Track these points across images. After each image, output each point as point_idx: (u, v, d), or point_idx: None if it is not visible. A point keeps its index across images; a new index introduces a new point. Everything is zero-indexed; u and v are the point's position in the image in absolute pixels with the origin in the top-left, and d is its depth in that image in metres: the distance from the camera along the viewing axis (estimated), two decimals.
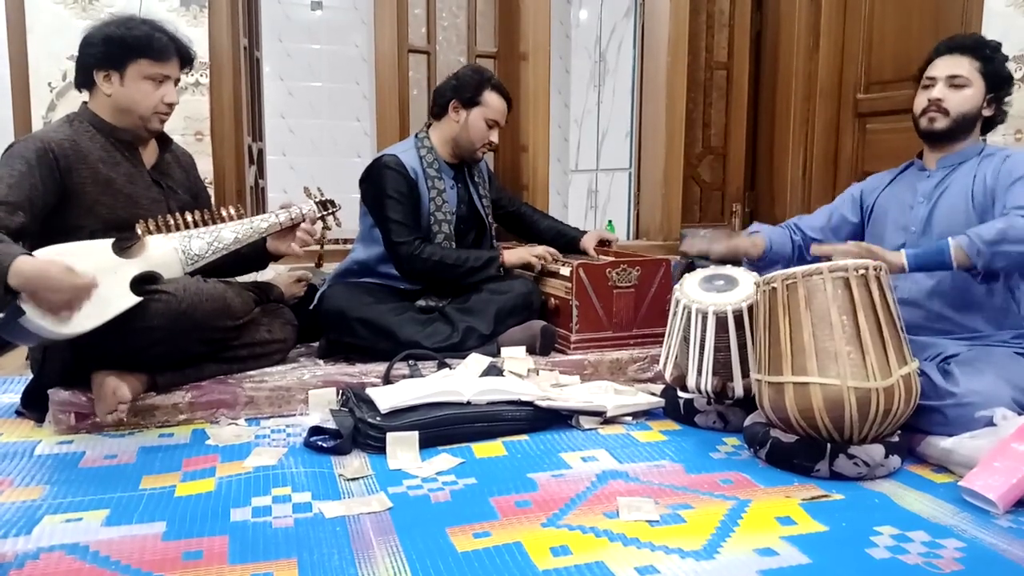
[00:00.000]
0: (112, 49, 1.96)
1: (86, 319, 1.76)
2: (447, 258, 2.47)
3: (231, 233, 2.07)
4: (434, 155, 2.54)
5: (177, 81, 2.06)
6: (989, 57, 1.97)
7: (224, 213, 2.10)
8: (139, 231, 1.95)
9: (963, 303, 1.95)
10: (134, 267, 1.89)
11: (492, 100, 2.50)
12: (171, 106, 2.04)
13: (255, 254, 2.21)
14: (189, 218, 2.03)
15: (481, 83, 2.51)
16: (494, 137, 2.53)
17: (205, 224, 2.06)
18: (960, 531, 1.43)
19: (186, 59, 2.06)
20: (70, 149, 1.92)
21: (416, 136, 2.59)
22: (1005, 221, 1.77)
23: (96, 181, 1.95)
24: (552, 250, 2.63)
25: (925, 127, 2.02)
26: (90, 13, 2.72)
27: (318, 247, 2.30)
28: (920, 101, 2.03)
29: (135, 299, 1.84)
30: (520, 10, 3.54)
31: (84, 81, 2.01)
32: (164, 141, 2.16)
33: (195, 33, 2.85)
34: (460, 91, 2.51)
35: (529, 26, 3.52)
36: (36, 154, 1.86)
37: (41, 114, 2.73)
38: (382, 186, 2.46)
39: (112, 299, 1.81)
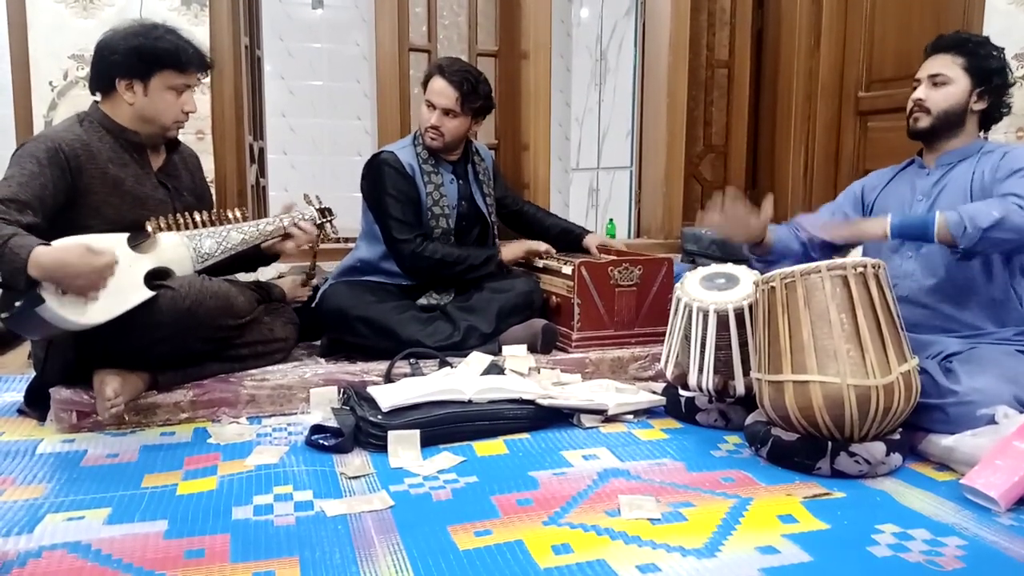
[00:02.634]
0: (139, 60, 1.95)
1: (102, 310, 1.78)
2: (448, 256, 2.47)
3: (239, 234, 2.11)
4: (431, 152, 2.55)
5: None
6: (971, 51, 1.98)
7: (231, 215, 2.13)
8: (150, 228, 1.97)
9: (964, 300, 1.95)
10: (147, 262, 1.92)
11: (432, 85, 2.49)
12: (189, 114, 2.05)
13: (255, 254, 2.24)
14: (198, 218, 2.06)
15: (429, 72, 2.53)
16: (434, 120, 2.47)
17: (213, 225, 2.09)
18: (962, 529, 1.43)
19: (205, 66, 2.07)
20: (81, 149, 1.92)
21: (415, 133, 2.59)
22: (1001, 208, 1.76)
23: (105, 182, 1.95)
24: (548, 246, 2.65)
25: (911, 127, 2.05)
26: (91, 12, 2.72)
27: (312, 253, 2.34)
28: (908, 103, 2.06)
29: (149, 293, 1.86)
30: (521, 8, 3.53)
31: (102, 87, 2.00)
32: (173, 143, 2.17)
33: (196, 32, 2.83)
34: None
35: (530, 24, 3.52)
36: (47, 154, 1.86)
37: (42, 113, 2.73)
38: (381, 184, 2.47)
39: (127, 292, 1.83)
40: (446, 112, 2.46)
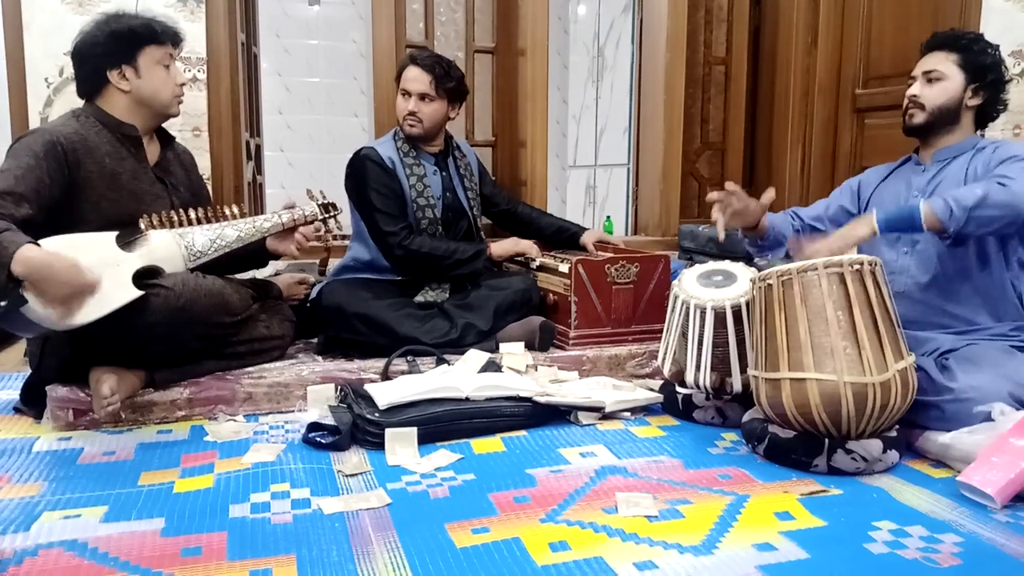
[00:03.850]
0: (122, 44, 1.97)
1: (88, 311, 1.76)
2: (436, 250, 2.48)
3: (234, 231, 2.09)
4: (411, 143, 2.56)
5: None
6: (965, 48, 1.99)
7: (227, 212, 2.12)
8: (142, 225, 1.96)
9: (960, 295, 1.95)
10: (137, 261, 1.90)
11: (405, 74, 2.53)
12: (183, 86, 2.07)
13: (255, 252, 2.23)
14: (192, 215, 2.05)
15: (401, 66, 2.57)
16: (411, 106, 2.50)
17: (208, 221, 2.08)
18: (958, 526, 1.44)
19: (178, 39, 2.09)
20: (79, 143, 1.92)
21: (395, 129, 2.61)
22: (984, 187, 1.78)
23: (102, 176, 1.95)
24: (534, 245, 2.67)
25: (906, 123, 2.06)
26: (87, 9, 2.72)
27: (324, 250, 2.31)
28: (904, 100, 2.07)
29: (137, 292, 1.84)
30: (518, 6, 3.53)
31: (94, 86, 2.00)
32: (166, 139, 2.17)
33: (192, 28, 2.84)
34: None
35: (527, 22, 3.51)
36: (44, 147, 1.86)
37: (38, 110, 2.73)
38: (363, 179, 2.49)
39: (114, 292, 1.81)
40: (422, 97, 2.50)
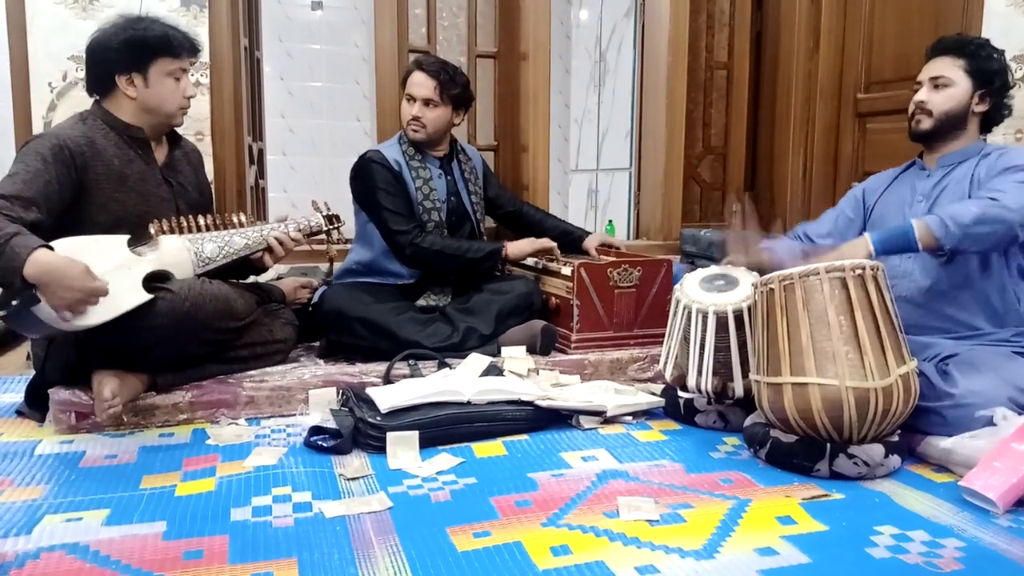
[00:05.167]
0: (134, 52, 1.97)
1: (98, 313, 1.77)
2: (447, 248, 2.49)
3: (242, 239, 2.11)
4: (417, 147, 2.57)
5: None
6: (972, 54, 1.99)
7: (235, 220, 2.13)
8: (153, 231, 1.97)
9: (962, 300, 1.95)
10: (147, 265, 1.92)
11: (411, 79, 2.55)
12: (191, 98, 2.08)
13: (255, 260, 2.23)
14: (201, 221, 2.07)
15: (407, 71, 2.60)
16: (415, 111, 2.52)
17: (217, 228, 2.09)
18: (960, 531, 1.44)
19: (196, 50, 2.09)
20: (86, 147, 1.93)
21: (400, 133, 2.63)
22: (979, 205, 1.79)
23: (110, 178, 1.96)
24: (554, 244, 2.64)
25: (912, 129, 2.06)
26: (90, 13, 2.72)
27: (328, 259, 2.35)
28: (909, 106, 2.07)
29: (146, 296, 1.85)
30: (520, 10, 3.53)
31: (102, 87, 2.02)
32: (174, 138, 2.18)
33: (196, 33, 2.84)
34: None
35: (529, 26, 3.51)
36: (52, 151, 1.87)
37: (41, 114, 2.73)
38: (370, 181, 2.50)
39: (125, 295, 1.83)
40: (426, 102, 2.51)
